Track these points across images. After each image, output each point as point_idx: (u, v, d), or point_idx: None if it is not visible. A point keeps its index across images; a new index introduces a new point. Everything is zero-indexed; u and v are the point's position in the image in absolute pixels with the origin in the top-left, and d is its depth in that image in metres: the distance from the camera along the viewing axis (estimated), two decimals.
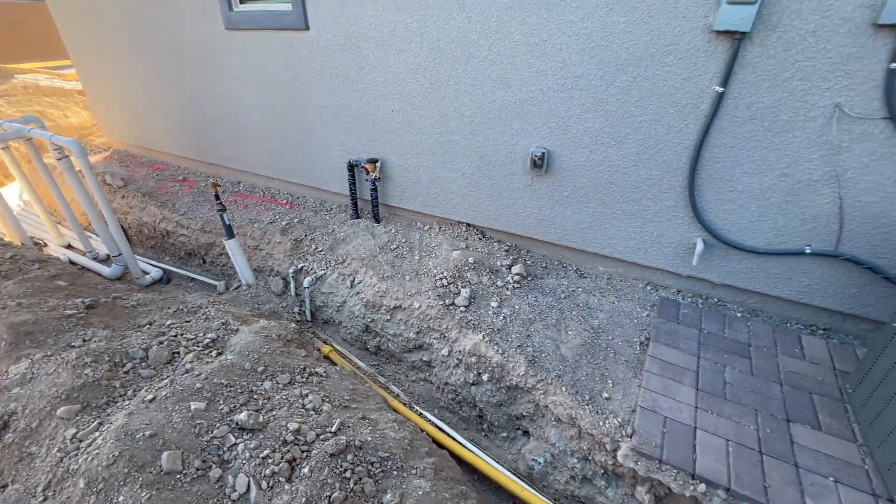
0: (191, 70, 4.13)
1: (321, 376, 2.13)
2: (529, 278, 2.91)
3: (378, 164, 3.42)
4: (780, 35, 1.98)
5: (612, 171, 2.64)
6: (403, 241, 3.30)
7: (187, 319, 2.39)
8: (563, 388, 2.09)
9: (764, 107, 2.13)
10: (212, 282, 3.73)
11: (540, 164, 2.78)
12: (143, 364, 1.87)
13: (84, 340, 1.98)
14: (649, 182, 2.56)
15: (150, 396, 1.63)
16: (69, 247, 4.33)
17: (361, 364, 2.97)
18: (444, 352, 2.55)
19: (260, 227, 3.64)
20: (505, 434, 2.41)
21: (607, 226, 2.81)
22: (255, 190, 4.43)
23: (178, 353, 1.98)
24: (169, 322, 2.30)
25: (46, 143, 3.37)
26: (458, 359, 2.49)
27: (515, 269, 2.92)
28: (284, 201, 4.16)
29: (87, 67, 5.18)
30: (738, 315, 2.55)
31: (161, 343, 2.01)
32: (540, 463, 2.17)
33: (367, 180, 3.50)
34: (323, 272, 3.24)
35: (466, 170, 3.14)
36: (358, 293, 3.00)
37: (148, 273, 3.85)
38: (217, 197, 3.13)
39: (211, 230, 3.73)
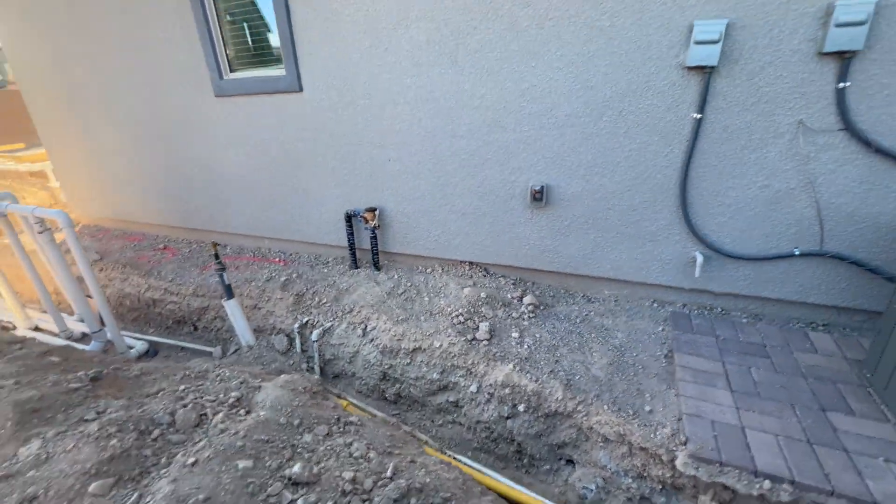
0: (175, 138, 4.14)
1: (357, 425, 2.02)
2: (542, 307, 2.96)
3: (377, 213, 3.48)
4: (742, 67, 2.30)
5: (607, 197, 2.83)
6: (409, 284, 3.30)
7: (199, 383, 2.24)
8: (605, 407, 2.09)
9: (738, 128, 2.41)
10: (206, 349, 3.52)
11: (539, 197, 2.94)
12: (171, 429, 1.71)
13: (98, 413, 1.80)
14: (644, 204, 2.76)
15: (191, 460, 1.49)
16: (37, 329, 3.99)
17: (380, 415, 2.84)
18: (473, 388, 2.50)
19: (257, 286, 3.54)
20: (547, 466, 2.34)
21: (609, 250, 2.96)
22: (243, 251, 4.34)
23: (206, 414, 1.84)
24: (182, 387, 2.14)
25: (24, 218, 3.22)
26: (489, 393, 2.44)
27: (527, 300, 2.97)
28: (277, 259, 4.09)
29: (56, 144, 5.07)
30: (745, 321, 2.68)
31: (185, 406, 1.86)
32: (591, 490, 2.10)
33: (366, 229, 3.54)
34: (330, 324, 3.15)
35: (466, 210, 3.25)
36: (372, 340, 2.92)
37: (132, 347, 3.58)
38: (217, 256, 3.06)
39: (204, 293, 3.59)
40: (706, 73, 2.34)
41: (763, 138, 2.39)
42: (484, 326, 2.68)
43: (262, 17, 3.49)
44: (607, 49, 2.51)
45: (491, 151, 3.01)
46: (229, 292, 3.15)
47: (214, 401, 1.98)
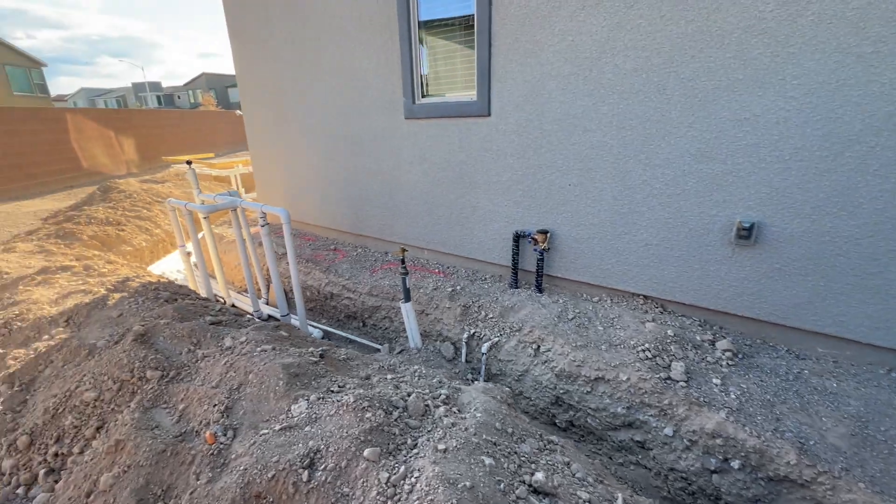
0: (364, 154, 4.68)
1: (559, 445, 1.99)
2: (740, 356, 2.67)
3: (548, 235, 3.50)
4: None
5: (840, 242, 2.49)
6: (577, 311, 3.23)
7: (400, 376, 2.42)
8: (861, 485, 1.78)
9: None
10: (373, 344, 3.82)
11: (747, 234, 2.69)
12: (406, 414, 1.86)
13: (340, 386, 2.04)
14: (892, 254, 2.37)
15: (441, 447, 1.59)
16: (233, 307, 4.72)
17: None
18: (668, 431, 2.32)
19: (425, 294, 3.77)
20: None
21: (832, 302, 2.58)
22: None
23: (428, 406, 1.96)
24: (389, 376, 2.33)
25: (234, 212, 3.87)
26: (689, 440, 2.24)
27: (722, 345, 2.71)
28: (437, 270, 4.33)
29: (260, 153, 6.07)
30: None
31: (407, 395, 2.02)
32: None
33: (534, 250, 3.57)
34: (497, 339, 3.21)
35: (651, 241, 3.11)
36: (545, 362, 2.90)
37: (311, 334, 4.04)
38: (403, 262, 3.33)
39: (378, 294, 3.92)
40: None
41: None
42: (678, 366, 2.49)
43: (460, 49, 3.82)
44: (864, 77, 2.25)
45: (691, 182, 2.86)
46: (408, 295, 3.40)
47: (429, 395, 2.10)
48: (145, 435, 1.80)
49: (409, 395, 2.01)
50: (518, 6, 3.23)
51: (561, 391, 2.78)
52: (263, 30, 5.15)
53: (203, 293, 4.26)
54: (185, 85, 51.78)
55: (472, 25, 3.53)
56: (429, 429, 1.79)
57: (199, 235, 7.68)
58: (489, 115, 3.63)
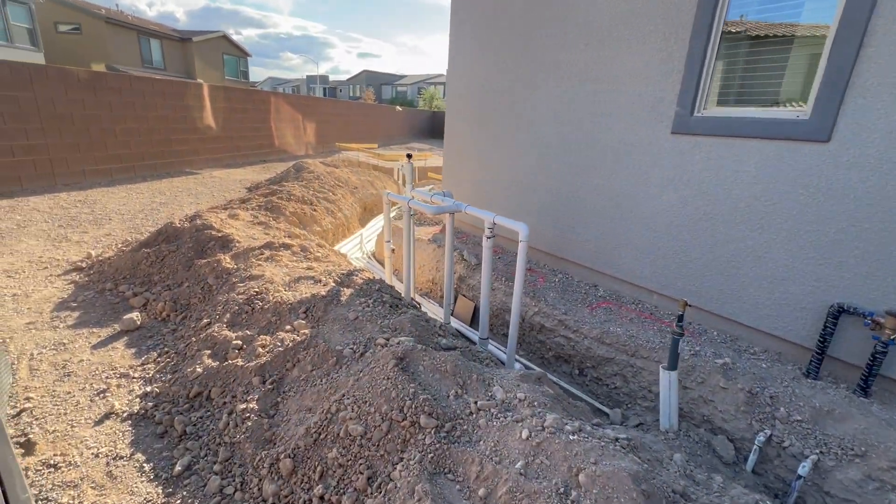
0: (587, 167, 4.01)
1: None
2: None
3: None
4: None
5: None
6: None
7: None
8: None
9: None
10: (601, 406, 3.11)
11: None
12: None
13: None
14: None
15: None
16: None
17: None
18: None
19: (680, 358, 2.93)
20: None
21: None
22: (621, 298, 3.89)
23: None
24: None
25: (415, 212, 3.42)
26: None
27: None
28: (668, 321, 3.45)
29: (453, 152, 5.79)
30: None
31: None
32: None
33: (875, 338, 2.50)
34: (816, 457, 2.25)
35: None
36: None
37: (516, 369, 3.49)
38: (681, 319, 2.55)
39: (612, 343, 3.19)
40: None
41: None
42: None
43: (782, 51, 2.90)
44: None
45: None
46: (675, 362, 2.61)
47: None
48: None
49: None
50: None
51: None
52: (488, 27, 4.78)
53: (401, 292, 3.99)
54: (348, 80, 57.66)
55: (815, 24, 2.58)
56: None
57: (374, 226, 7.85)
58: (827, 140, 2.64)
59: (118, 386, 2.45)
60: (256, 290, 2.99)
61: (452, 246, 3.83)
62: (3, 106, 6.19)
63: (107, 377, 2.54)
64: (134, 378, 2.52)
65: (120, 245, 4.61)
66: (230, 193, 7.65)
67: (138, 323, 3.09)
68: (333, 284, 3.05)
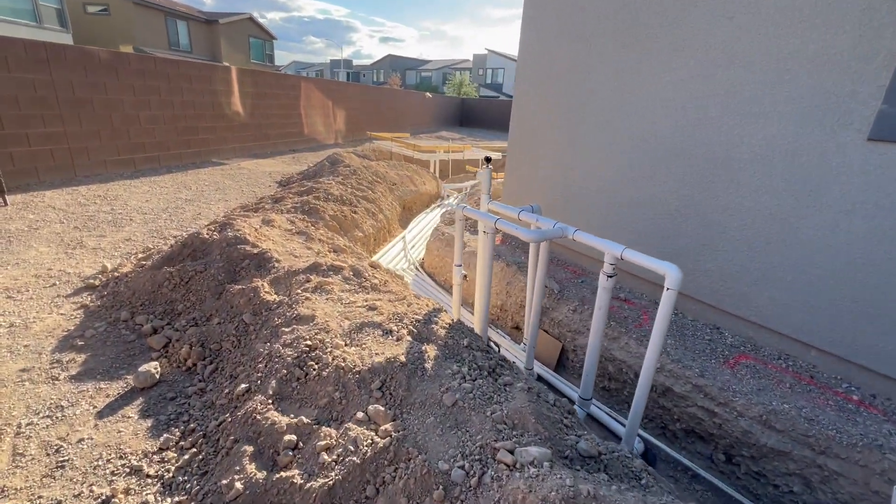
0: (718, 178, 3.11)
1: None
2: None
3: None
4: None
5: None
6: None
7: None
8: None
9: None
10: None
11: None
12: None
13: None
14: None
15: None
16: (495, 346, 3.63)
17: None
18: None
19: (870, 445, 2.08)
20: None
21: None
22: (759, 350, 3.02)
23: None
24: None
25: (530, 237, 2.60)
26: None
27: None
28: (843, 392, 2.59)
29: (519, 147, 4.93)
30: None
31: None
32: None
33: None
34: None
35: None
36: None
37: (634, 450, 2.68)
38: None
39: (784, 430, 2.34)
40: None
41: None
42: None
43: None
44: None
45: None
46: None
47: None
48: None
49: None
50: None
51: None
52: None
53: (478, 331, 3.21)
54: (372, 65, 56.56)
55: None
56: None
57: (415, 227, 7.05)
58: None
59: (126, 492, 1.75)
60: (308, 342, 2.25)
61: (545, 278, 3.02)
62: (17, 90, 5.59)
63: (112, 473, 1.84)
64: (148, 478, 1.82)
65: (140, 255, 3.95)
66: (260, 189, 6.98)
67: (157, 377, 2.40)
68: (409, 339, 2.28)
